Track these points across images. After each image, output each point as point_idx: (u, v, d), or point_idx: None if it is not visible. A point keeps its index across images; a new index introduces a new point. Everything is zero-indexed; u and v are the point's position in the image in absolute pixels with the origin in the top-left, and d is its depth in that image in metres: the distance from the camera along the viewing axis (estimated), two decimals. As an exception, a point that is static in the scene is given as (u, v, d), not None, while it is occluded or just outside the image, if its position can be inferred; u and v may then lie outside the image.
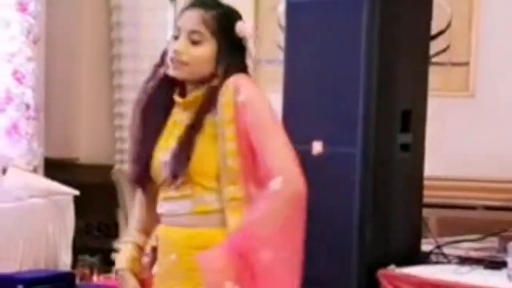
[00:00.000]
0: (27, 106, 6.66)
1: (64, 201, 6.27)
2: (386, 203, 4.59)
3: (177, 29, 2.66)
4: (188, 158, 2.55)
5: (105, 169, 6.94)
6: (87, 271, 6.49)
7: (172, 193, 2.61)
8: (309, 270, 3.90)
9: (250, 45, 2.71)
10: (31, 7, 6.60)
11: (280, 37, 5.70)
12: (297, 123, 4.15)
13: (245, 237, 2.45)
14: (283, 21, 5.40)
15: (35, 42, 6.64)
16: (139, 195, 2.81)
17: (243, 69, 2.67)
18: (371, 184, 4.51)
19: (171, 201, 2.63)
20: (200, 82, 2.64)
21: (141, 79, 6.75)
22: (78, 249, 6.42)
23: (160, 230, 2.68)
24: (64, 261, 6.20)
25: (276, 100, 4.84)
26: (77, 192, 6.19)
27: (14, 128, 6.59)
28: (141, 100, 2.75)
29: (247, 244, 2.44)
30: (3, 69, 6.43)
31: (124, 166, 6.82)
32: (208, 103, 2.60)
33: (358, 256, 4.47)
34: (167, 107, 2.70)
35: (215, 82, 2.61)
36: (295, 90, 4.32)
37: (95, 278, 6.54)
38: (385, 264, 4.47)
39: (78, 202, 6.27)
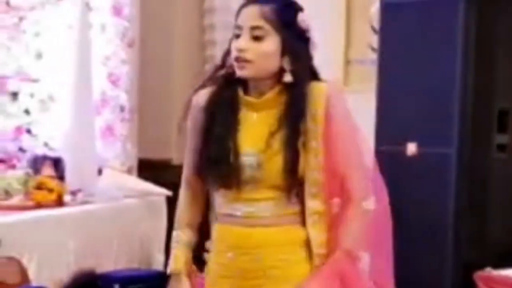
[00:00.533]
0: (122, 108, 6.76)
1: (157, 202, 6.36)
2: (482, 204, 4.54)
3: (238, 27, 2.61)
4: (296, 170, 2.53)
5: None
6: (179, 270, 6.53)
7: (253, 195, 2.57)
8: (404, 270, 3.91)
9: (313, 36, 2.67)
10: (126, 11, 6.71)
11: (371, 38, 5.67)
12: (391, 124, 4.13)
13: (348, 260, 2.48)
14: (374, 21, 5.37)
15: (129, 45, 6.75)
16: (185, 191, 2.80)
17: (308, 61, 2.66)
18: (467, 185, 4.47)
19: (251, 203, 2.59)
20: (267, 78, 2.60)
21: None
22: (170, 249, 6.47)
23: (231, 231, 2.65)
24: (158, 261, 6.27)
25: (366, 100, 4.83)
26: (170, 193, 6.26)
27: (109, 130, 6.70)
28: (205, 101, 2.67)
29: (350, 268, 2.48)
30: (98, 72, 6.53)
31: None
32: (299, 110, 2.54)
33: (453, 257, 4.42)
34: (233, 105, 2.64)
35: (287, 77, 2.56)
36: (390, 91, 4.30)
37: (187, 277, 6.58)
38: (481, 266, 4.41)
39: (171, 202, 6.34)
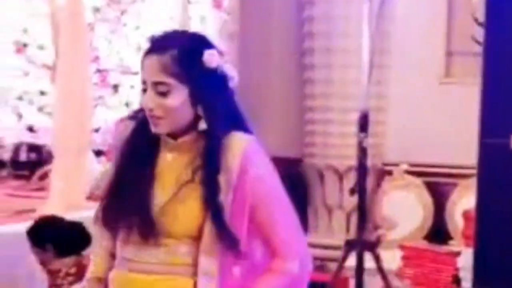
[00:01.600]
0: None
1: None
2: None
3: (143, 81, 2.35)
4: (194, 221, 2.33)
5: (294, 163, 6.98)
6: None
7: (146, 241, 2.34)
8: (501, 263, 3.82)
9: (227, 69, 2.39)
10: (226, 3, 6.74)
11: (474, 29, 5.56)
12: (495, 117, 4.03)
13: None
14: (478, 12, 5.27)
15: (229, 38, 6.78)
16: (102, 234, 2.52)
17: (226, 105, 2.39)
18: None
19: (144, 248, 2.35)
20: (184, 126, 2.36)
21: (331, 73, 6.79)
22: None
23: (120, 276, 2.40)
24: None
25: (468, 92, 4.74)
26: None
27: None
28: (121, 145, 2.43)
29: None
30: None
31: (313, 160, 6.86)
32: (214, 163, 2.31)
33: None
34: (152, 145, 2.40)
35: (202, 125, 2.32)
36: (494, 84, 4.19)
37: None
38: None
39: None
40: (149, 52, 2.35)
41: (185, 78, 2.31)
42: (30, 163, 6.63)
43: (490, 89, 4.18)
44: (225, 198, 2.31)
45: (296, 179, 6.89)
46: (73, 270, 3.85)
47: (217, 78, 2.37)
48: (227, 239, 2.30)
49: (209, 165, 2.32)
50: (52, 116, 5.51)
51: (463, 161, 5.93)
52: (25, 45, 6.40)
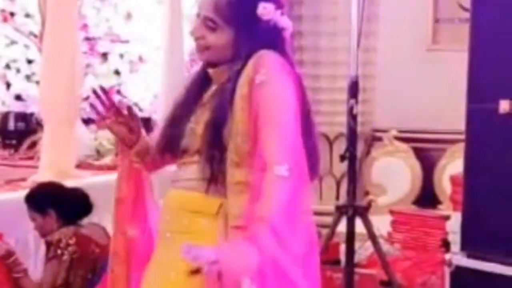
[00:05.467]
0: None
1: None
2: None
3: (198, 7, 2.48)
4: (220, 134, 2.38)
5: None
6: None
7: (183, 159, 2.47)
8: (490, 226, 3.85)
9: (282, 21, 2.44)
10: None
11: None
12: (484, 82, 4.04)
13: (267, 231, 2.19)
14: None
15: None
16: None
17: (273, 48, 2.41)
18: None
19: (180, 166, 2.49)
20: (226, 61, 2.45)
21: (320, 41, 6.77)
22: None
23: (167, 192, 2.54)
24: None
25: (456, 59, 4.74)
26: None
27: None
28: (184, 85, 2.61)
29: (269, 240, 2.19)
30: (187, 32, 6.54)
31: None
32: (233, 80, 2.39)
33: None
34: (202, 80, 2.54)
35: (238, 66, 2.38)
36: (482, 49, 4.20)
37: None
38: None
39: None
40: None
41: (233, 24, 2.40)
42: (19, 132, 6.63)
43: (478, 54, 4.18)
44: (241, 113, 2.34)
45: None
46: (73, 240, 3.80)
47: (268, 30, 2.42)
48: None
49: (229, 84, 2.39)
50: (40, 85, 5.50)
51: (451, 127, 5.97)
52: (12, 14, 6.37)
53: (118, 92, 6.42)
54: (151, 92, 6.44)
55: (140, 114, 6.30)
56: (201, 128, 2.40)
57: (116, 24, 6.42)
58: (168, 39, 6.10)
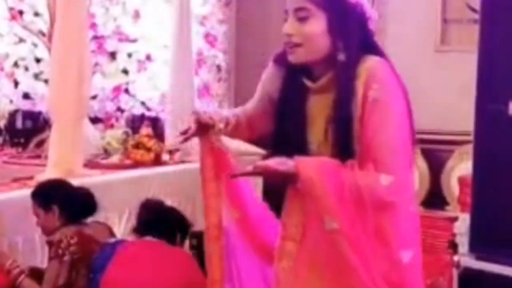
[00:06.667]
0: (218, 68, 6.79)
1: (253, 161, 6.37)
2: None
3: (285, 12, 2.52)
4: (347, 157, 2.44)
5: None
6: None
7: None
8: (498, 227, 3.84)
9: (367, 9, 2.52)
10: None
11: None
12: (493, 83, 4.02)
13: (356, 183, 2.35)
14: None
15: (226, 4, 6.75)
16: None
17: (362, 37, 2.51)
18: None
19: None
20: (324, 62, 2.49)
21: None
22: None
23: None
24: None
25: (465, 59, 4.72)
26: (265, 152, 6.28)
27: (205, 90, 6.75)
28: (276, 98, 2.64)
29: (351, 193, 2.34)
30: (195, 32, 6.56)
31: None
32: (347, 89, 2.42)
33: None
34: (301, 93, 2.56)
35: (341, 56, 2.44)
36: (492, 50, 4.19)
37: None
38: None
39: (267, 161, 6.35)
40: None
41: (325, 6, 2.43)
42: (26, 131, 6.62)
43: (488, 55, 4.17)
44: (359, 126, 2.39)
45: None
46: (74, 240, 3.79)
47: (355, 14, 2.48)
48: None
49: (343, 101, 2.42)
50: (48, 84, 5.50)
51: (459, 128, 5.95)
52: (20, 12, 6.37)
53: (126, 91, 6.41)
54: (159, 91, 6.43)
55: (147, 113, 6.34)
56: (328, 150, 2.45)
57: (124, 23, 6.41)
58: (176, 38, 6.10)
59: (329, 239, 2.33)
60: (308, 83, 2.53)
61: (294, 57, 2.49)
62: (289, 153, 2.45)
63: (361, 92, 2.39)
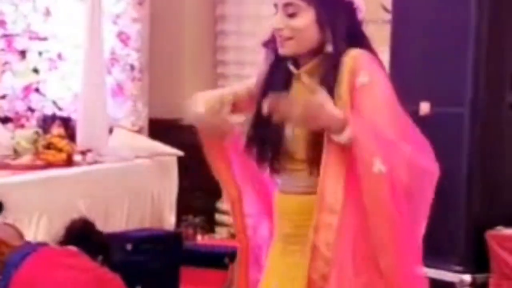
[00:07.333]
0: (132, 67, 6.72)
1: (168, 162, 6.34)
2: (495, 163, 4.53)
3: (274, 5, 2.55)
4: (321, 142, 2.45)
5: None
6: (191, 231, 6.54)
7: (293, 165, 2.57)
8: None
9: (357, 0, 2.55)
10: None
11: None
12: (404, 83, 4.07)
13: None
14: (386, -20, 5.32)
15: (140, 3, 6.69)
16: None
17: (353, 30, 2.54)
18: (480, 144, 4.46)
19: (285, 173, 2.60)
20: (313, 53, 2.54)
21: (244, 40, 6.77)
22: (181, 210, 6.48)
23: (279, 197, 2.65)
24: (168, 221, 6.27)
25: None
26: (181, 153, 6.25)
27: (119, 89, 6.67)
28: (261, 82, 2.65)
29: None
30: (108, 30, 6.48)
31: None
32: (332, 76, 2.47)
33: (466, 217, 4.45)
34: (286, 81, 2.60)
35: (329, 48, 2.50)
36: (403, 51, 4.26)
37: (199, 238, 6.60)
38: (493, 225, 4.44)
39: (182, 162, 6.33)
40: None
41: (313, 1, 2.49)
42: None
43: (399, 56, 4.24)
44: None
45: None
46: None
47: (343, 5, 2.53)
48: None
49: (325, 85, 2.45)
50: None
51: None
52: None
53: (37, 90, 6.30)
54: (71, 91, 6.33)
55: (59, 113, 6.24)
56: (305, 135, 2.48)
57: (34, 21, 6.29)
58: (88, 37, 6.02)
59: (375, 182, 2.37)
60: (293, 69, 2.58)
61: (285, 50, 2.55)
62: (265, 136, 2.55)
63: (347, 79, 2.45)
